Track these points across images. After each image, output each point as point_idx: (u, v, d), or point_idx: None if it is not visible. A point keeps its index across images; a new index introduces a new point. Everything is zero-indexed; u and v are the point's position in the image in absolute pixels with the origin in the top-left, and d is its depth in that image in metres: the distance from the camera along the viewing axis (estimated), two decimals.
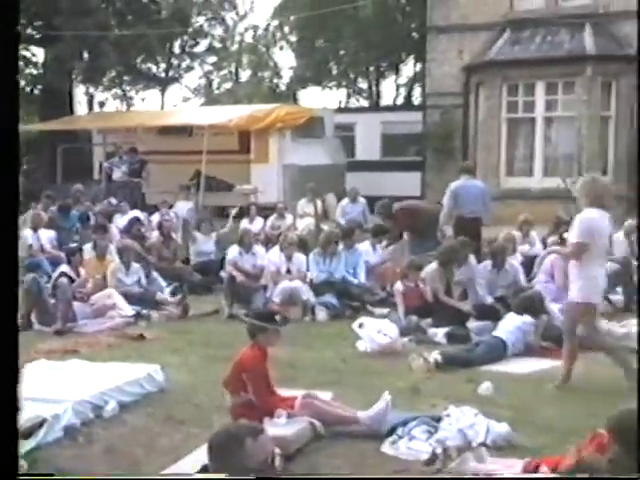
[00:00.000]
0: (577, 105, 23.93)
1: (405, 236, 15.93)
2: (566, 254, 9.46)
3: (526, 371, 9.71)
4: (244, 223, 19.17)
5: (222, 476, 5.65)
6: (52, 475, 5.92)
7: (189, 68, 44.26)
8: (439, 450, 6.57)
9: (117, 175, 23.27)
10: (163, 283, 14.52)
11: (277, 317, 7.65)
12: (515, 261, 14.03)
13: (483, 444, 6.74)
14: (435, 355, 9.85)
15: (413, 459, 6.63)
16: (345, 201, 21.76)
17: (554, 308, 11.59)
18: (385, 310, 12.97)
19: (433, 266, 12.72)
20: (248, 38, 44.02)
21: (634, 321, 11.67)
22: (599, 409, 7.07)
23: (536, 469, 5.66)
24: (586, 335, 9.25)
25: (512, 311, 10.92)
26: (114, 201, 21.41)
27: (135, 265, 13.99)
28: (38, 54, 33.32)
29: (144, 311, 13.19)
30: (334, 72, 41.93)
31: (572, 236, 8.99)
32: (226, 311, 13.39)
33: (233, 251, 14.49)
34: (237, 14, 44.18)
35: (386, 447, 6.99)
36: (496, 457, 6.51)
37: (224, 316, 13.24)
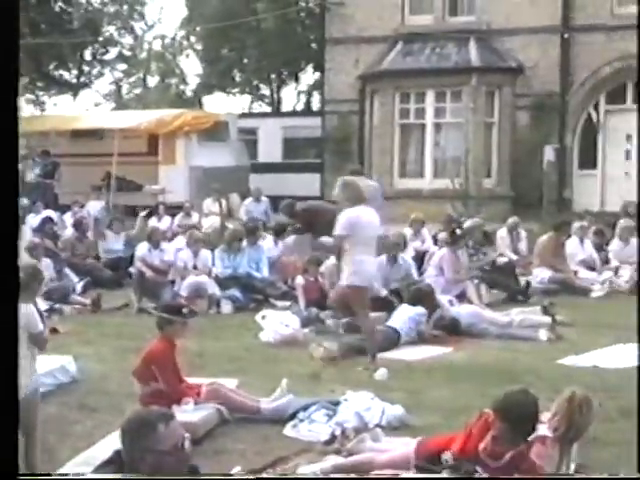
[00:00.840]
0: (464, 112, 24.29)
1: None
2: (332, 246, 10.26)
3: (418, 358, 9.82)
4: (153, 221, 19.00)
5: (223, 476, 5.64)
6: (52, 475, 5.82)
7: (100, 74, 43.59)
8: (338, 432, 6.61)
9: (30, 177, 22.85)
10: (75, 278, 14.31)
11: (184, 310, 7.61)
12: (407, 256, 14.18)
13: (379, 425, 6.80)
14: (334, 344, 9.89)
15: (314, 440, 6.66)
16: (249, 200, 21.81)
17: (443, 299, 11.75)
18: (287, 303, 13.00)
19: (331, 261, 12.78)
20: (156, 47, 43.76)
21: (516, 310, 11.93)
22: (485, 390, 7.22)
23: (428, 448, 5.72)
24: (357, 318, 9.70)
25: (405, 303, 11.03)
26: (26, 201, 21.00)
27: (46, 261, 13.72)
28: None
29: (57, 305, 12.97)
30: (238, 79, 41.84)
31: (335, 230, 9.54)
32: (136, 305, 13.25)
33: (142, 248, 14.35)
34: (146, 24, 43.66)
35: (288, 430, 7.01)
36: (391, 437, 6.58)
37: (134, 310, 13.10)
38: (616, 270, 15.50)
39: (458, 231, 14.14)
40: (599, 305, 13.76)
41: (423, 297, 11.02)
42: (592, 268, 15.63)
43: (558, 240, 15.43)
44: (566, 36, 24.41)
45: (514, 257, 16.29)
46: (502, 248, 16.35)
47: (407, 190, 24.09)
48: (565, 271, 15.08)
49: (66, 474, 6.06)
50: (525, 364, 9.30)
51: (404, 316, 10.60)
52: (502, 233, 16.86)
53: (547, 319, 11.39)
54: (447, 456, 5.41)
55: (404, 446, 6.00)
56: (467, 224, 15.28)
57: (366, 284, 9.53)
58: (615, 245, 16.16)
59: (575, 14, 24.40)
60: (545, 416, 5.60)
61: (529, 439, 5.42)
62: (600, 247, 16.31)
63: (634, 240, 16.05)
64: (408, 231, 15.97)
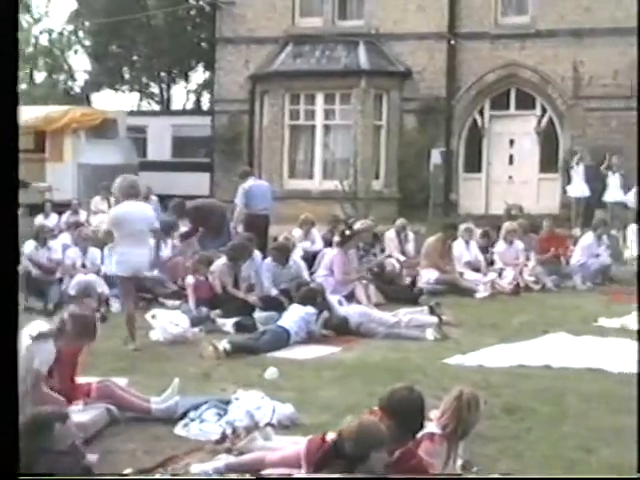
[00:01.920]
0: (353, 115, 24.57)
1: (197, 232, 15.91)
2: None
3: (308, 357, 9.86)
4: (39, 219, 18.62)
5: (223, 477, 5.53)
6: (52, 475, 5.61)
7: None
8: (229, 430, 6.59)
9: None
10: None
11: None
12: (297, 257, 14.23)
13: (270, 424, 6.81)
14: (224, 343, 9.86)
15: (204, 439, 6.63)
16: None
17: (333, 299, 11.82)
18: (177, 302, 12.90)
19: (222, 261, 12.76)
20: (43, 41, 42.75)
21: (404, 310, 12.08)
22: (374, 389, 7.30)
23: (318, 447, 5.75)
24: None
25: (296, 302, 11.07)
26: None
27: None
28: None
29: None
30: (127, 77, 41.29)
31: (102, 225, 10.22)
32: (22, 304, 12.95)
33: (29, 246, 14.03)
34: (32, 17, 42.69)
35: (179, 429, 6.95)
36: (282, 435, 6.60)
37: (20, 308, 12.78)
38: (500, 272, 15.87)
39: (347, 232, 14.25)
40: (484, 305, 14.07)
41: (313, 296, 11.06)
42: (477, 269, 15.94)
43: (445, 242, 15.71)
44: (452, 43, 24.90)
45: (402, 258, 16.52)
46: (390, 249, 16.56)
47: (296, 191, 24.20)
48: (451, 272, 15.37)
49: (66, 474, 5.94)
50: (413, 363, 9.43)
51: (294, 316, 10.63)
52: (390, 234, 17.07)
53: (434, 319, 11.57)
54: (331, 435, 5.46)
55: (295, 445, 6.02)
56: (358, 226, 15.44)
57: (129, 274, 10.23)
58: (499, 247, 16.53)
59: (461, 22, 24.93)
60: (434, 414, 5.70)
61: (418, 436, 5.52)
62: (485, 249, 16.66)
63: (517, 242, 16.47)
64: (298, 232, 16.04)
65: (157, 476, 5.56)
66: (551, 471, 6.02)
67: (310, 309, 10.71)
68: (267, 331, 10.48)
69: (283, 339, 10.31)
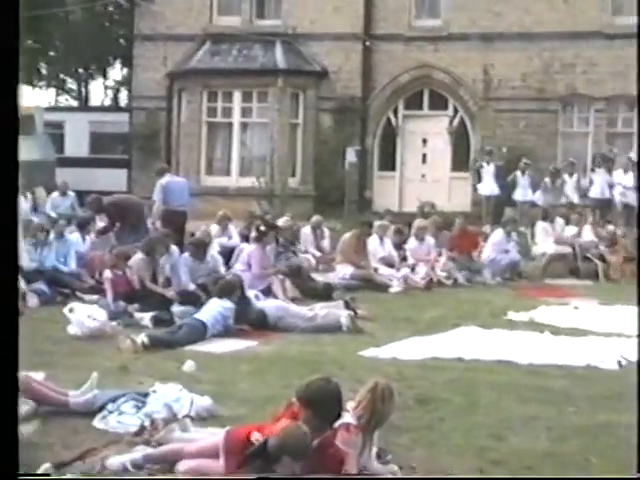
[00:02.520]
0: (270, 113, 24.55)
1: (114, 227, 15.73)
2: None
3: (225, 350, 9.82)
4: None
5: (223, 477, 5.39)
6: (48, 475, 5.46)
7: None
8: (147, 422, 6.53)
9: None
10: None
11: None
12: (215, 252, 14.18)
13: (188, 416, 6.77)
14: (142, 337, 9.77)
15: (123, 432, 6.56)
16: (55, 194, 21.26)
17: (250, 294, 11.81)
18: (94, 296, 12.73)
19: (139, 255, 12.64)
20: None
21: (320, 305, 12.12)
22: (291, 381, 7.30)
23: (236, 438, 5.74)
24: None
25: (214, 296, 11.02)
26: None
27: None
28: None
29: None
30: (44, 72, 40.59)
31: None
32: None
33: None
34: None
35: (97, 422, 6.86)
36: (200, 427, 6.57)
37: None
38: (413, 267, 16.03)
39: (263, 228, 14.24)
40: (397, 300, 14.20)
41: (232, 289, 11.03)
42: (391, 265, 16.07)
43: (360, 238, 15.81)
44: (368, 44, 25.05)
45: (318, 254, 16.59)
46: (306, 245, 16.60)
47: (214, 187, 24.11)
48: (366, 268, 15.47)
49: (66, 474, 5.80)
50: (329, 356, 9.46)
51: (212, 309, 10.58)
52: (306, 231, 17.12)
53: (349, 313, 11.63)
54: (256, 436, 5.46)
55: (213, 436, 6.00)
56: (279, 223, 15.49)
57: None
58: (412, 244, 16.69)
59: (376, 24, 25.11)
60: (350, 405, 5.74)
61: (334, 426, 5.55)
62: (399, 245, 16.81)
63: (429, 239, 16.66)
64: (215, 227, 15.98)
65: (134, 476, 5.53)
66: (463, 459, 6.10)
67: (228, 303, 10.67)
68: (184, 324, 10.41)
69: (200, 332, 10.24)
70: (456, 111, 25.40)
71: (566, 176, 21.98)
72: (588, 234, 18.48)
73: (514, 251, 17.23)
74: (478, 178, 23.09)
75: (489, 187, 22.34)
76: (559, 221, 18.87)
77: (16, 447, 3.96)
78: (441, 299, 14.33)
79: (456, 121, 25.40)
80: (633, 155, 22.63)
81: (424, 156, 25.73)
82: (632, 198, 21.20)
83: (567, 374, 8.78)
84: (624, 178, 21.49)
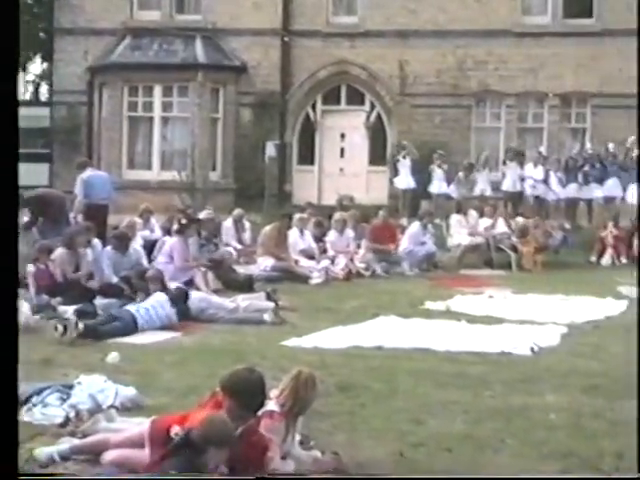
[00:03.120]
0: (190, 107, 24.39)
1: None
2: None
3: (149, 341, 9.76)
4: None
5: (222, 477, 5.26)
6: (52, 475, 5.31)
7: None
8: (72, 414, 6.47)
9: None
10: None
11: None
12: (137, 245, 14.06)
13: (113, 406, 6.72)
14: (79, 323, 9.65)
15: (48, 423, 6.48)
16: None
17: (172, 286, 11.74)
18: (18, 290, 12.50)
19: (61, 249, 12.47)
20: None
21: (242, 296, 12.12)
22: (214, 371, 7.30)
23: (161, 427, 5.72)
24: None
25: (136, 289, 10.94)
26: None
27: None
28: None
29: None
30: None
31: None
32: None
33: None
34: None
35: (22, 415, 6.76)
36: (125, 417, 6.53)
37: None
38: (332, 259, 16.10)
39: (184, 221, 14.16)
40: (318, 291, 14.28)
41: (153, 281, 10.97)
42: (311, 257, 16.13)
43: (280, 231, 15.85)
44: (286, 39, 25.04)
45: (239, 246, 16.57)
46: (227, 238, 16.56)
47: (135, 181, 23.86)
48: (287, 260, 15.50)
49: (67, 474, 5.65)
50: (251, 346, 9.48)
51: (146, 303, 10.50)
52: (227, 224, 17.07)
53: (271, 304, 11.65)
54: (176, 430, 5.44)
55: (138, 426, 5.97)
56: (202, 216, 15.45)
57: None
58: (331, 236, 16.76)
59: (294, 20, 25.13)
60: (274, 393, 5.76)
61: (258, 414, 5.57)
62: (319, 238, 16.87)
63: (348, 231, 16.77)
64: (138, 221, 15.84)
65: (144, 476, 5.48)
66: (383, 443, 6.18)
67: (161, 296, 10.60)
68: (112, 317, 10.30)
69: (131, 325, 10.14)
70: (373, 106, 25.57)
71: (479, 170, 22.32)
72: (501, 226, 18.78)
73: (430, 243, 17.44)
74: (395, 172, 23.26)
75: (406, 181, 22.52)
76: (473, 213, 19.15)
77: (16, 447, 3.92)
78: (360, 290, 14.43)
79: (373, 116, 25.57)
80: (542, 149, 23.12)
81: (342, 150, 25.84)
82: (542, 191, 21.66)
83: (482, 360, 8.94)
84: (534, 172, 21.91)
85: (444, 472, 5.69)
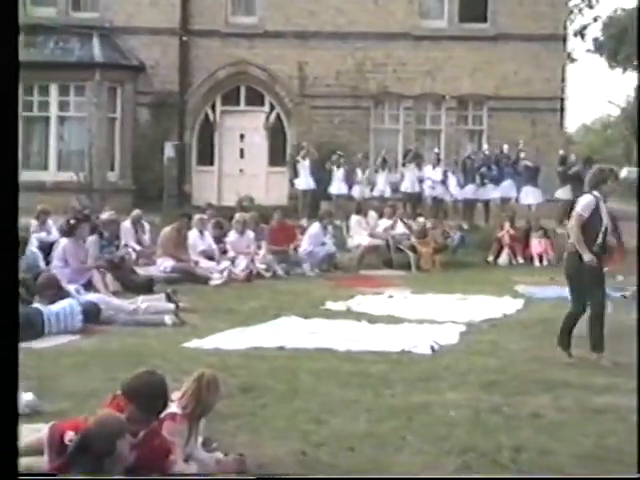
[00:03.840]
0: (87, 107, 24.00)
1: None
2: None
3: (46, 345, 9.57)
4: None
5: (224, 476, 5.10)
6: (52, 475, 5.11)
7: None
8: None
9: None
10: None
11: None
12: (34, 247, 13.78)
13: None
14: None
15: None
16: None
17: (70, 288, 11.55)
18: None
19: None
20: None
21: (142, 298, 11.96)
22: (115, 374, 7.23)
23: (60, 432, 5.63)
24: None
25: (34, 293, 10.70)
26: None
27: None
28: None
29: None
30: None
31: None
32: None
33: None
34: None
35: None
36: (24, 423, 6.38)
37: None
38: (233, 260, 16.07)
39: (73, 221, 13.88)
40: (219, 292, 14.23)
41: (47, 286, 10.76)
42: (211, 258, 16.07)
43: (180, 231, 15.75)
44: (185, 39, 24.86)
45: (138, 247, 16.38)
46: (126, 239, 16.35)
47: (31, 182, 23.23)
48: (187, 261, 15.41)
49: (66, 474, 5.41)
50: (152, 348, 9.39)
51: (54, 307, 10.28)
52: (126, 225, 16.84)
53: (171, 306, 11.56)
54: (70, 435, 5.36)
55: (37, 432, 5.86)
56: (102, 216, 15.24)
57: None
58: (232, 237, 16.73)
59: (193, 19, 24.98)
60: (176, 395, 5.74)
61: (161, 417, 5.54)
62: (219, 239, 16.81)
63: (249, 232, 16.74)
64: (34, 222, 15.53)
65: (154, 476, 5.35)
66: (286, 443, 6.20)
67: (72, 301, 10.40)
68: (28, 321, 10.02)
69: (39, 330, 9.90)
70: (272, 107, 25.61)
71: (378, 171, 22.59)
72: (400, 227, 19.03)
73: (330, 243, 17.56)
74: (295, 173, 23.34)
75: (305, 181, 22.61)
76: (372, 214, 19.36)
77: (16, 447, 3.85)
78: (261, 291, 14.44)
79: (272, 117, 25.60)
80: (440, 151, 23.52)
81: (242, 151, 25.80)
82: (440, 192, 22.06)
83: (383, 359, 9.05)
84: (432, 173, 22.30)
85: (346, 471, 5.76)
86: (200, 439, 5.85)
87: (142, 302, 11.65)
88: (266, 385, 7.79)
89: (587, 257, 8.87)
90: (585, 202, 9.07)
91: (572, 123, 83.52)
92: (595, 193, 9.08)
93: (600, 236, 9.01)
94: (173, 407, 5.65)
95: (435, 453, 6.14)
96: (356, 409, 7.09)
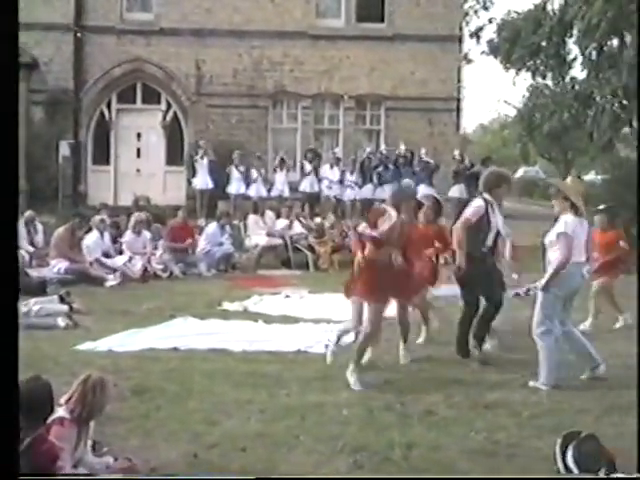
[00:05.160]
0: None
1: None
2: None
3: None
4: None
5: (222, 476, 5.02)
6: (52, 475, 4.97)
7: None
8: None
9: None
10: None
11: None
12: None
13: None
14: None
15: None
16: None
17: None
18: None
19: None
20: None
21: (34, 300, 11.73)
22: None
23: None
24: None
25: None
26: None
27: None
28: None
29: None
30: None
31: None
32: None
33: None
34: None
35: None
36: None
37: None
38: (129, 260, 15.89)
39: None
40: (114, 293, 14.08)
41: None
42: (108, 258, 15.85)
43: (74, 232, 15.50)
44: (79, 35, 24.46)
45: (31, 249, 16.09)
46: (19, 241, 16.01)
47: None
48: (81, 262, 15.18)
49: (67, 474, 5.25)
50: (44, 351, 9.21)
51: None
52: (19, 226, 16.52)
53: (64, 308, 11.39)
54: None
55: None
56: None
57: None
58: (128, 237, 16.54)
59: (87, 15, 24.59)
60: (64, 399, 5.67)
61: (48, 422, 5.46)
62: (115, 239, 16.62)
63: (145, 232, 16.59)
64: None
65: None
66: (178, 445, 6.19)
67: None
68: None
69: None
70: (169, 105, 25.39)
71: (277, 170, 22.63)
72: (298, 226, 19.10)
73: (228, 243, 17.53)
74: (192, 172, 23.20)
75: (203, 181, 22.49)
76: (270, 214, 19.39)
77: (16, 447, 3.77)
78: (157, 291, 14.32)
79: (169, 115, 25.38)
80: (338, 151, 23.67)
81: (138, 150, 25.51)
82: (338, 191, 22.22)
83: (279, 359, 9.09)
84: (330, 173, 22.44)
85: (238, 472, 5.76)
86: (90, 443, 5.78)
87: (34, 304, 11.45)
88: (159, 387, 7.74)
89: (458, 260, 9.04)
90: (475, 207, 9.23)
91: (470, 123, 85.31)
92: (486, 196, 9.26)
93: (490, 238, 9.20)
94: (61, 411, 5.57)
95: (327, 452, 6.19)
96: (250, 409, 7.11)
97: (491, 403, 7.59)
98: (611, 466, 3.58)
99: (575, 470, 3.55)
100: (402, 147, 23.00)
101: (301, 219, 19.52)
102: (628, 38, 24.39)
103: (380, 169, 22.58)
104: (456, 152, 23.45)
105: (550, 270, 8.25)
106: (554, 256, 8.26)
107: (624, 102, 24.49)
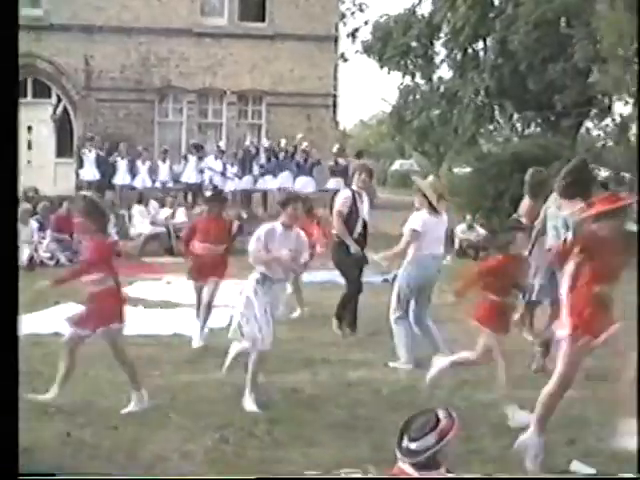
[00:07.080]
0: None
1: None
2: None
3: None
4: None
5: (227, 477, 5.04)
6: (52, 475, 4.76)
7: None
8: None
9: None
10: None
11: None
12: None
13: None
14: None
15: None
16: None
17: None
18: None
19: None
20: None
21: None
22: None
23: None
24: None
25: None
26: None
27: None
28: None
29: None
30: None
31: None
32: None
33: None
34: None
35: None
36: None
37: None
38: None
39: None
40: None
41: None
42: None
43: None
44: None
45: None
46: None
47: None
48: None
49: (67, 474, 5.09)
50: None
51: None
52: None
53: None
54: None
55: None
56: None
57: None
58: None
59: None
60: None
61: None
62: None
63: (32, 222, 16.31)
64: None
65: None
66: (52, 424, 6.16)
67: None
68: None
69: None
70: (59, 99, 24.91)
71: (161, 162, 22.53)
72: (180, 215, 19.04)
73: (113, 232, 17.30)
74: (80, 164, 22.86)
75: (91, 172, 22.18)
76: (154, 204, 19.28)
77: (16, 447, 3.74)
78: (44, 279, 14.03)
79: (60, 109, 24.89)
80: (222, 144, 23.67)
81: (29, 143, 24.95)
82: (220, 182, 22.21)
83: (155, 342, 9.13)
84: (214, 164, 22.42)
85: (110, 449, 5.80)
86: None
87: None
88: (37, 370, 7.67)
89: (353, 249, 9.29)
90: (342, 197, 9.45)
91: (350, 119, 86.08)
92: (353, 187, 9.47)
93: (358, 226, 9.43)
94: None
95: (195, 429, 6.28)
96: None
97: (354, 381, 7.79)
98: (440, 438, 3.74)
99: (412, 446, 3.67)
100: (283, 141, 23.14)
101: (184, 208, 19.46)
102: (489, 41, 25.11)
103: (262, 162, 22.69)
104: (336, 146, 23.69)
105: (390, 254, 8.55)
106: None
107: (486, 101, 25.21)
